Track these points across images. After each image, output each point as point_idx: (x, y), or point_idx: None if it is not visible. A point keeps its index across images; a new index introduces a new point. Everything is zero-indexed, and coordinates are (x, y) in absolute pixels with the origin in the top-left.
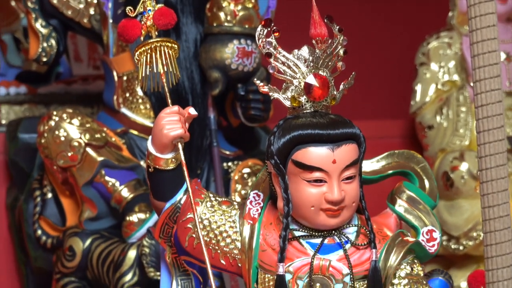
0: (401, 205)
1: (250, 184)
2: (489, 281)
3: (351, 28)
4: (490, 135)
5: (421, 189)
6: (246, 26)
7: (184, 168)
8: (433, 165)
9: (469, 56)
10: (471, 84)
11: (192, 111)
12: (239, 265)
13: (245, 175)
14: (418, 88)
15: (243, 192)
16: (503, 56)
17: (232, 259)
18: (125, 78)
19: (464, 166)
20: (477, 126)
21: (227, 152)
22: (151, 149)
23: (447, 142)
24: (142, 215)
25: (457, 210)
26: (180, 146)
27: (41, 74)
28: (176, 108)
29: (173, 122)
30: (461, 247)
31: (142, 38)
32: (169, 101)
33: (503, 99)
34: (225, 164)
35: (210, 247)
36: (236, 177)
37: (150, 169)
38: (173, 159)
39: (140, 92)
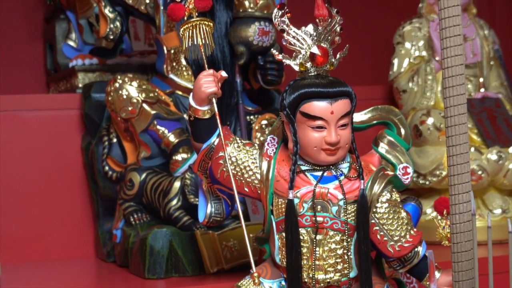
0: (383, 147)
1: (267, 132)
2: (452, 203)
3: (346, 13)
4: (454, 90)
5: (398, 135)
6: (265, 12)
7: (217, 117)
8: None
9: (435, 37)
10: (436, 58)
11: (223, 73)
12: (259, 192)
13: (263, 126)
14: (395, 61)
15: (261, 138)
16: None
17: (253, 187)
18: (172, 51)
19: (430, 120)
20: (444, 83)
21: (250, 108)
22: (192, 102)
23: (417, 103)
24: (184, 155)
25: (424, 154)
26: (214, 100)
27: (109, 49)
28: (211, 71)
29: (209, 81)
30: (427, 182)
31: (185, 18)
32: (206, 66)
33: (464, 63)
34: (248, 118)
35: (237, 178)
36: (257, 127)
37: (191, 118)
38: (209, 111)
39: (184, 62)
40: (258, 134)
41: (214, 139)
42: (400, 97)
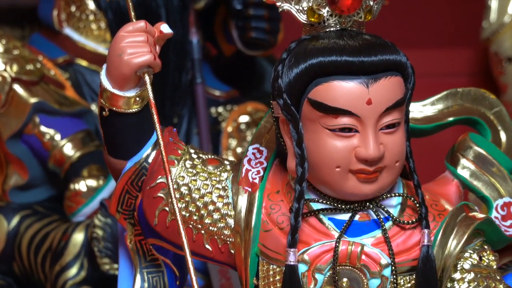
0: (466, 167)
1: (248, 139)
2: None
3: None
4: None
5: (495, 144)
6: None
7: (154, 111)
8: None
9: None
10: None
11: (165, 28)
12: (232, 251)
13: (242, 126)
14: (493, 3)
15: (239, 150)
16: None
17: (222, 243)
18: None
19: None
20: None
21: (217, 93)
22: (106, 83)
23: None
24: (93, 182)
25: None
26: (147, 78)
27: None
28: (142, 24)
29: (137, 43)
30: None
31: None
32: (133, 15)
33: None
34: (213, 110)
35: (191, 226)
36: (230, 129)
37: (104, 113)
38: (138, 98)
39: (91, 5)
40: (233, 142)
41: (147, 153)
42: (503, 71)
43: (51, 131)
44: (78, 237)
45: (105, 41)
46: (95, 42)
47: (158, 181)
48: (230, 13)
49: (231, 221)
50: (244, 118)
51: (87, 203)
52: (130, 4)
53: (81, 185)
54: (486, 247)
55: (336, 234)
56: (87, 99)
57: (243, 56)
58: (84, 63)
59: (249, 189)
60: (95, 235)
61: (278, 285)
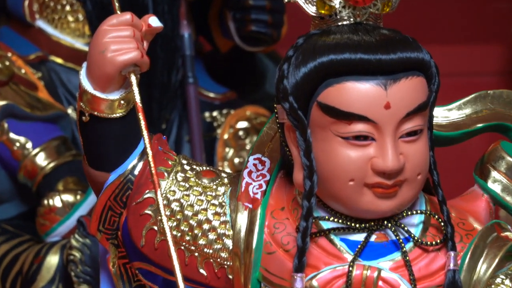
0: (497, 180)
1: (248, 147)
2: None
3: None
4: None
5: None
6: None
7: (141, 116)
8: None
9: None
10: None
11: (153, 21)
12: (230, 277)
13: (241, 133)
14: None
15: (236, 160)
16: None
17: (219, 267)
18: None
19: None
20: None
21: (212, 95)
22: (86, 84)
23: None
24: (69, 197)
25: None
26: (133, 79)
27: None
28: (127, 16)
29: (122, 39)
30: None
31: None
32: (117, 6)
33: None
34: (207, 114)
35: (183, 247)
36: (226, 136)
37: (84, 118)
38: (122, 101)
39: None
40: (229, 152)
41: (133, 163)
42: None
43: (21, 139)
44: (53, 259)
45: (83, 35)
46: (72, 36)
47: (146, 196)
48: (226, 3)
49: (229, 242)
50: (242, 124)
51: (62, 221)
52: None
53: (56, 201)
54: None
55: (349, 257)
56: (63, 102)
57: (241, 53)
58: (59, 60)
59: (250, 206)
60: (72, 258)
61: None
